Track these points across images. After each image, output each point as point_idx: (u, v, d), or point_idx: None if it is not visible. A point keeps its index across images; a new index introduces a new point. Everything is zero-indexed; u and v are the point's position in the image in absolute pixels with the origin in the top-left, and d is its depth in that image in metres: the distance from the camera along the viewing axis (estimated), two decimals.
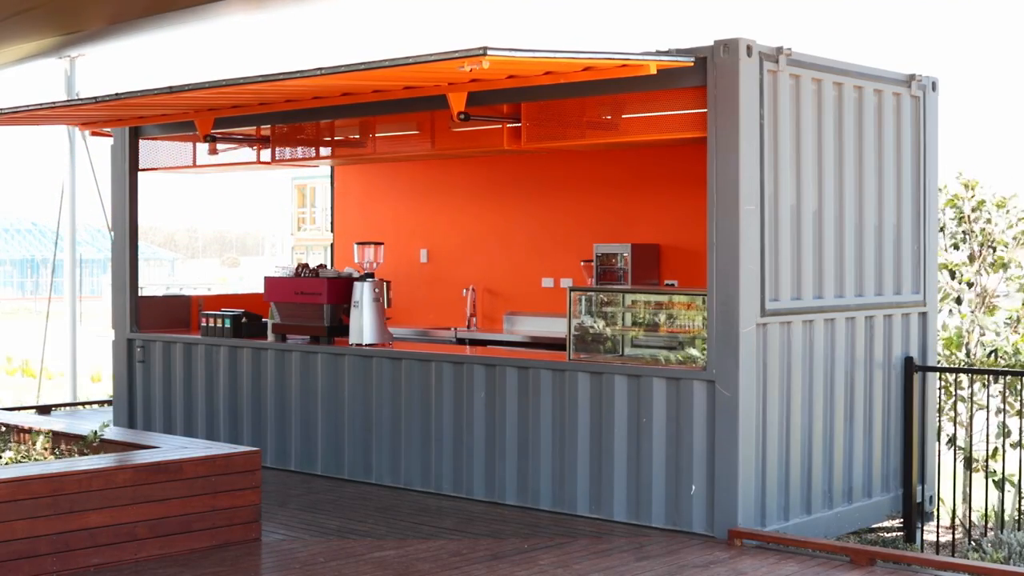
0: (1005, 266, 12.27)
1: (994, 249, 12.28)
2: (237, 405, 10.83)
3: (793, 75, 8.42)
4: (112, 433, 8.68)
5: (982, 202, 12.38)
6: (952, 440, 11.52)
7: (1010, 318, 12.32)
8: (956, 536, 10.58)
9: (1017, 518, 10.11)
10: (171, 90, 8.75)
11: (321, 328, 10.25)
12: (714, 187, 8.10)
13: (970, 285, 12.35)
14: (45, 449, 8.44)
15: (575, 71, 8.00)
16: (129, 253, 11.60)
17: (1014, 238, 12.34)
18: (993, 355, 12.13)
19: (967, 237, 12.38)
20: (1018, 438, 11.28)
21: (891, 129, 9.39)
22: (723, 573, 7.31)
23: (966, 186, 12.42)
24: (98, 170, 15.72)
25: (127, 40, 14.36)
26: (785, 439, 8.48)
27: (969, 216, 12.32)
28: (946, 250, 12.57)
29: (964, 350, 12.17)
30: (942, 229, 12.35)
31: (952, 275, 12.47)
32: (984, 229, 12.24)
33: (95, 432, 8.29)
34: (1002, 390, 10.90)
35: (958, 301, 12.42)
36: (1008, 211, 12.40)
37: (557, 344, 10.04)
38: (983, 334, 12.26)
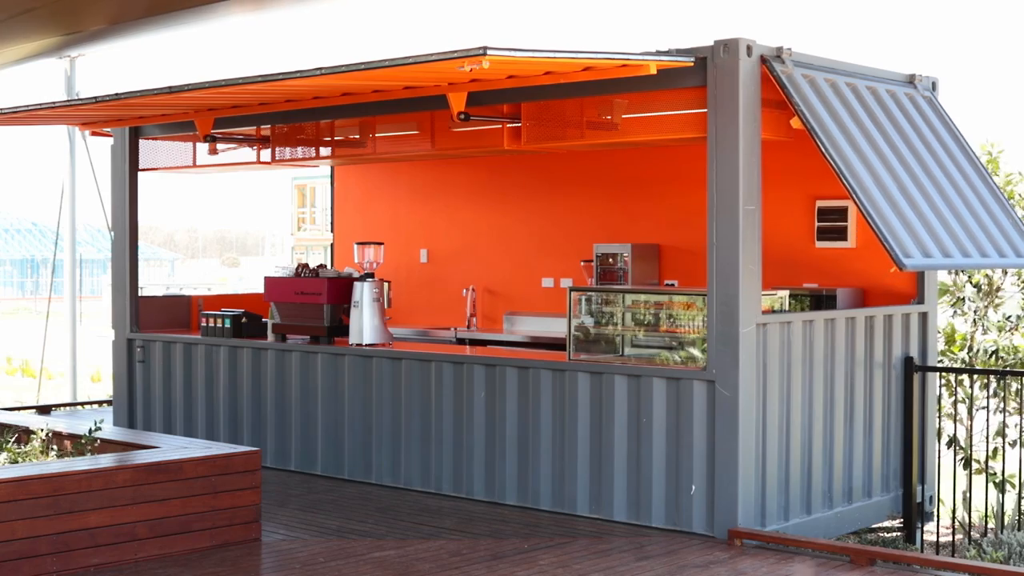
0: None
1: None
2: (237, 405, 10.83)
3: (806, 76, 8.39)
4: (112, 433, 8.67)
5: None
6: (952, 440, 11.50)
7: (1008, 318, 12.24)
8: (956, 536, 10.57)
9: (1017, 518, 10.12)
10: (171, 90, 8.75)
11: (321, 328, 10.25)
12: (714, 187, 8.10)
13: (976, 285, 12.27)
14: (44, 449, 8.44)
15: (575, 71, 7.99)
16: (129, 253, 11.60)
17: None
18: (994, 356, 12.07)
19: None
20: (1017, 436, 11.26)
21: (923, 125, 9.28)
22: (723, 573, 7.31)
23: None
24: (98, 170, 15.74)
25: (127, 40, 14.36)
26: (785, 439, 8.48)
27: None
28: None
29: (966, 350, 12.11)
30: None
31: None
32: None
33: (90, 430, 8.26)
34: (1003, 389, 10.89)
35: (960, 301, 12.32)
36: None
37: (557, 344, 10.04)
38: (986, 332, 12.20)
